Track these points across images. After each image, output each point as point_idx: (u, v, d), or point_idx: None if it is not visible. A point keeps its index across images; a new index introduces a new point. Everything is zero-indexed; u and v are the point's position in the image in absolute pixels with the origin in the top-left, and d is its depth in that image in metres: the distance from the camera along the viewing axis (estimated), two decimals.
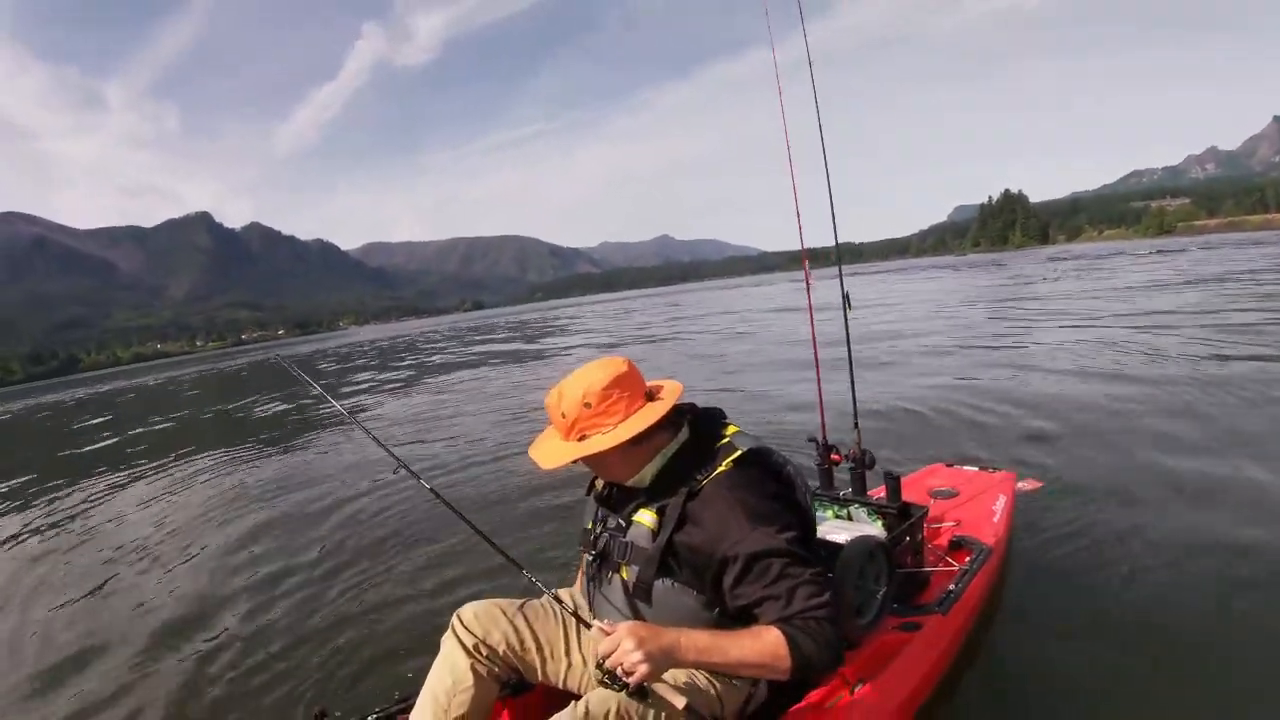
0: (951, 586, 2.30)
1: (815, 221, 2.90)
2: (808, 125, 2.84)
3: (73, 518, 6.74)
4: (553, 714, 1.50)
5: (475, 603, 1.81)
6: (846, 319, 2.88)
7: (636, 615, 1.64)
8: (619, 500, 1.74)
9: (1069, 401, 6.07)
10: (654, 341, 19.13)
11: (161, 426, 14.68)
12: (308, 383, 2.42)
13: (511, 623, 1.77)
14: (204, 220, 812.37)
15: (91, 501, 7.38)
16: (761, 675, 1.61)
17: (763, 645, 1.42)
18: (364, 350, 38.38)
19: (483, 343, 28.97)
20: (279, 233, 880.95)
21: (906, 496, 2.56)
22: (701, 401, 1.82)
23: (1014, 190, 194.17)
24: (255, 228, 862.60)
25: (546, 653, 1.79)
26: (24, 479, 9.79)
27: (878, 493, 2.75)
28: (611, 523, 1.74)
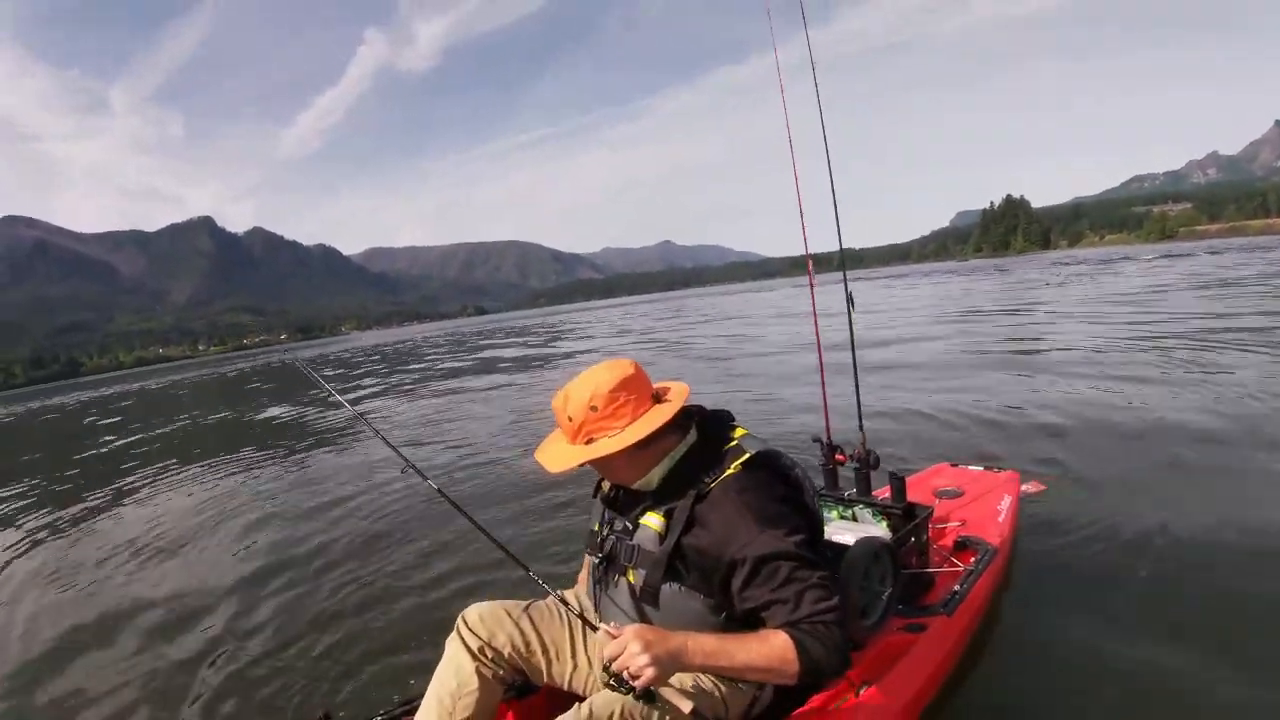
0: (957, 587, 2.30)
1: (818, 225, 2.91)
2: (810, 129, 2.86)
3: (73, 517, 6.72)
4: (557, 716, 1.50)
5: (480, 604, 1.80)
6: (851, 319, 2.88)
7: (643, 618, 1.63)
8: (626, 503, 1.73)
9: (1075, 404, 6.05)
10: (658, 346, 19.11)
11: (164, 429, 14.67)
12: (318, 382, 2.43)
13: (517, 624, 1.76)
14: (206, 224, 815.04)
15: (91, 503, 7.37)
16: (769, 679, 1.59)
17: (770, 649, 1.42)
18: (366, 355, 38.40)
19: (486, 348, 28.96)
20: (281, 237, 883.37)
21: (911, 497, 2.55)
22: (708, 404, 1.81)
23: (1016, 195, 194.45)
24: (258, 232, 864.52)
25: (552, 654, 1.78)
26: (24, 479, 9.78)
27: (882, 493, 2.74)
28: (618, 525, 1.73)
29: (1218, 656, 2.35)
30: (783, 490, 1.62)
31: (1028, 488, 3.45)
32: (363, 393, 16.15)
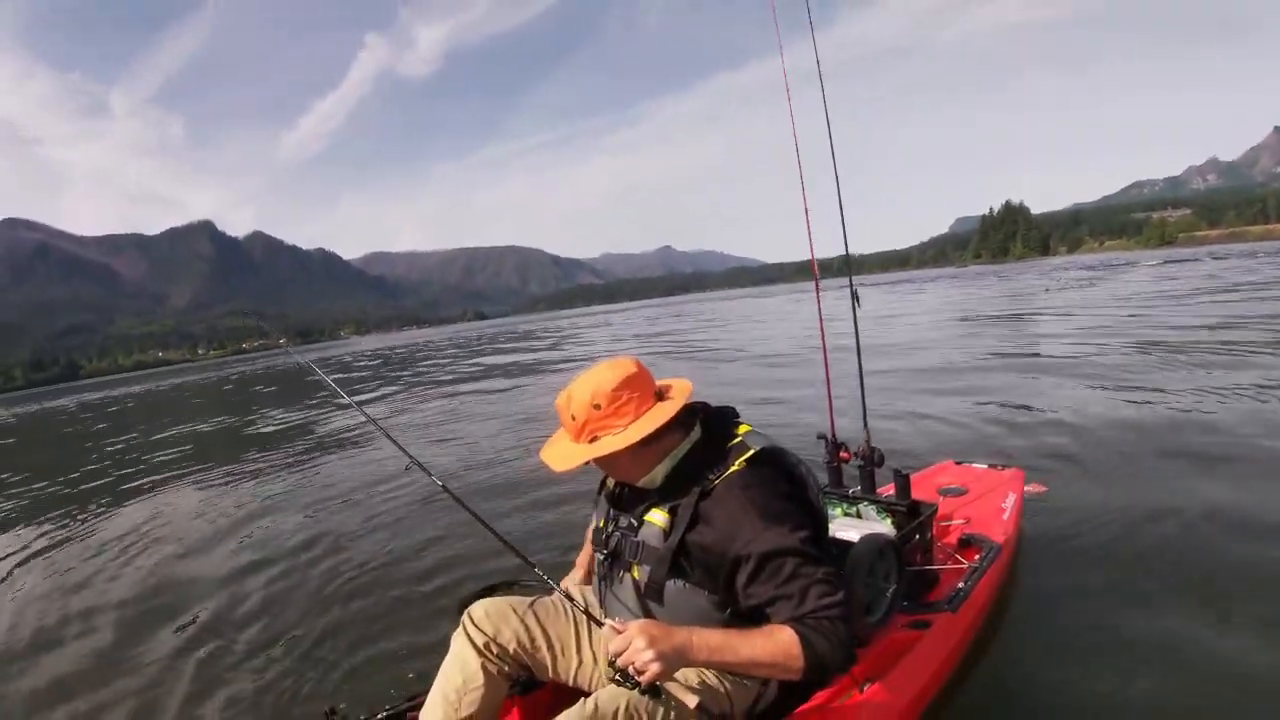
0: (961, 584, 2.30)
1: (819, 230, 2.92)
2: (812, 134, 2.87)
3: (74, 517, 6.70)
4: (562, 711, 1.50)
5: (486, 600, 1.80)
6: (856, 317, 2.88)
7: (648, 615, 1.63)
8: (630, 500, 1.73)
9: (1078, 405, 6.07)
10: (662, 351, 19.12)
11: (166, 431, 14.67)
12: (324, 380, 2.44)
13: (523, 621, 1.76)
14: (206, 228, 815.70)
15: (92, 502, 7.34)
16: (774, 675, 1.59)
17: (775, 645, 1.41)
18: (366, 359, 38.42)
19: (486, 352, 28.98)
20: (281, 242, 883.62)
21: (916, 494, 2.55)
22: (713, 402, 1.81)
23: (1015, 201, 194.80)
24: (258, 236, 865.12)
25: (557, 650, 1.78)
26: (23, 480, 9.78)
27: (887, 490, 2.75)
28: (623, 522, 1.73)
29: (1222, 656, 2.35)
30: (787, 487, 1.61)
31: (1029, 489, 3.45)
32: (363, 396, 16.16)
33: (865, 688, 1.81)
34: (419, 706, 1.77)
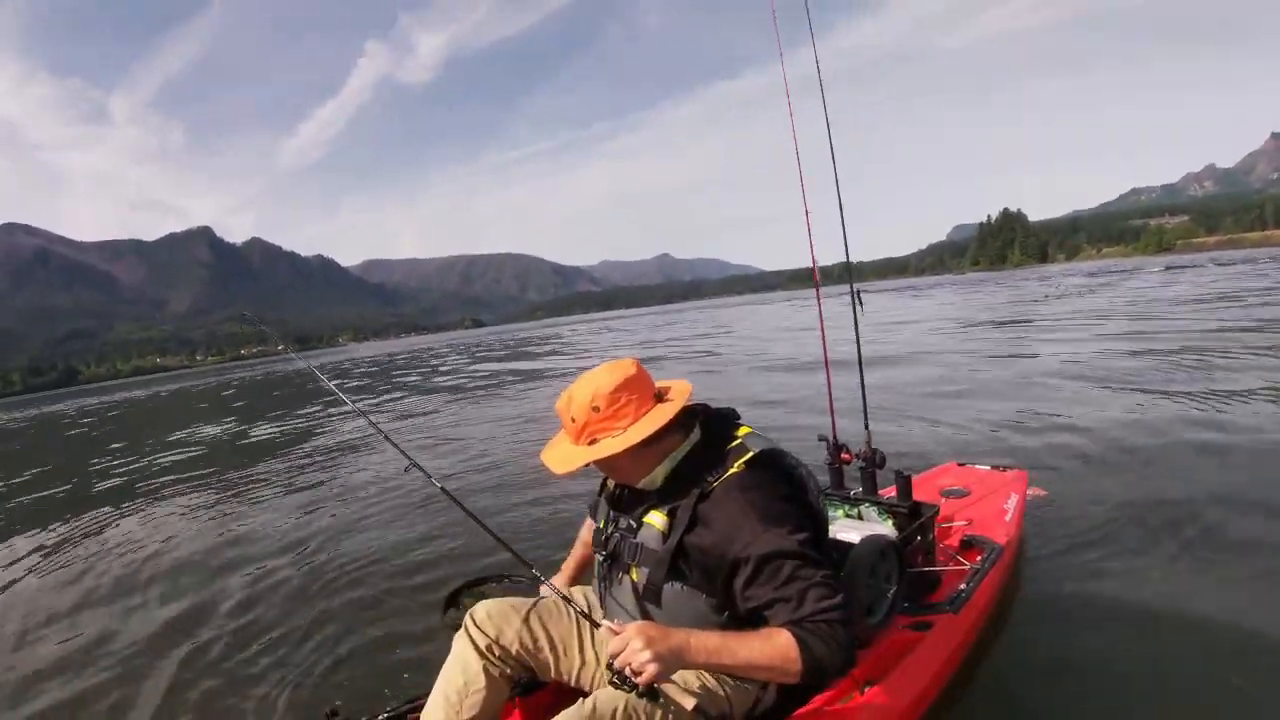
0: (962, 586, 2.29)
1: (820, 237, 2.93)
2: (812, 140, 2.88)
3: (74, 518, 6.66)
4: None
5: (487, 602, 1.79)
6: (857, 318, 2.88)
7: (646, 617, 1.62)
8: (630, 501, 1.72)
9: (1080, 408, 6.07)
10: (664, 357, 19.13)
11: (167, 433, 14.63)
12: (325, 384, 2.44)
13: (525, 622, 1.75)
14: (205, 235, 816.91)
15: (92, 503, 7.29)
16: (772, 678, 1.58)
17: (773, 647, 1.40)
18: (365, 365, 38.39)
19: (485, 359, 28.97)
20: (280, 248, 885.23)
21: (917, 495, 2.54)
22: (713, 405, 1.80)
23: (1013, 209, 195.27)
24: (256, 243, 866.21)
25: (559, 650, 1.77)
26: (24, 481, 9.75)
27: (888, 492, 2.74)
28: (622, 523, 1.72)
29: (1225, 656, 2.34)
30: (786, 489, 1.61)
31: (1031, 493, 3.44)
32: (363, 402, 16.14)
33: (866, 689, 1.80)
34: (420, 708, 1.76)
